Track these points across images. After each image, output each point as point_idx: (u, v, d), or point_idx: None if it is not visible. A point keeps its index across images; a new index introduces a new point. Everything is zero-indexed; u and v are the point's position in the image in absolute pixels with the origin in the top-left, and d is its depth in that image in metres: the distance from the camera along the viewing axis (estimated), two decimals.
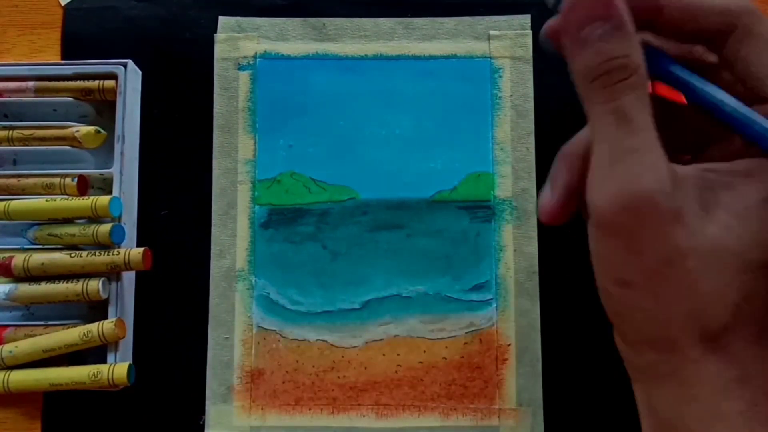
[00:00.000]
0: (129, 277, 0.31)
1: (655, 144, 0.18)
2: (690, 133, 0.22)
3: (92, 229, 0.29)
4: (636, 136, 0.18)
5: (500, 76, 0.33)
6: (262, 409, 0.31)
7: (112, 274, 0.30)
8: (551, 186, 0.24)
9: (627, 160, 0.18)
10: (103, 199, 0.29)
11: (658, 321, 0.19)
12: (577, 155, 0.23)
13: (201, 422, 0.31)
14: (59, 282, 0.29)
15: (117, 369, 0.28)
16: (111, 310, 0.29)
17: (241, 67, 0.33)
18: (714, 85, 0.19)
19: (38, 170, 0.31)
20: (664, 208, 0.18)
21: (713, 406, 0.19)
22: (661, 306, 0.19)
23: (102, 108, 0.32)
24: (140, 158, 0.32)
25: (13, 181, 0.30)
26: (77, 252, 0.29)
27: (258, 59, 0.33)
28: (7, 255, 0.29)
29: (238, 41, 0.33)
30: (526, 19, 0.33)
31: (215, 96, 0.33)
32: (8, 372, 0.28)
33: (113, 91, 0.31)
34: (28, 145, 0.31)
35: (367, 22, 0.33)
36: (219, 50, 0.33)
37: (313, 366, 0.31)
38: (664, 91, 0.22)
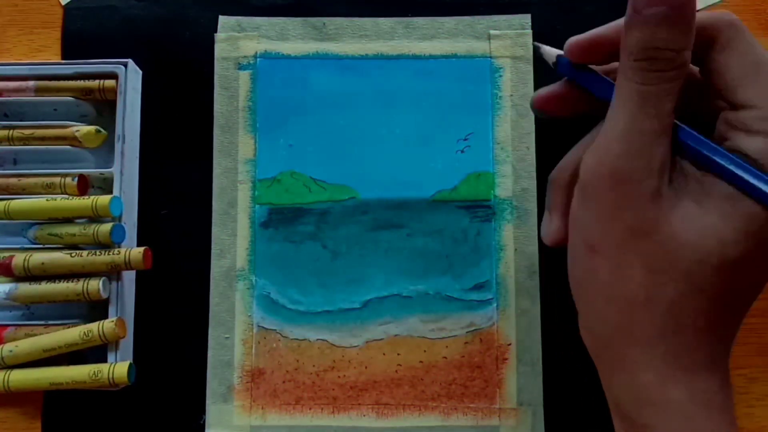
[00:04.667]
0: (129, 277, 0.31)
1: (663, 134, 0.19)
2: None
3: (93, 228, 0.29)
4: (650, 122, 0.19)
5: (500, 76, 0.33)
6: (262, 408, 0.31)
7: (113, 273, 0.30)
8: (550, 214, 0.26)
9: (633, 139, 0.19)
10: (104, 199, 0.29)
11: (615, 297, 0.20)
12: (567, 181, 0.25)
13: (201, 422, 0.31)
14: (59, 281, 0.29)
15: (117, 368, 0.28)
16: (111, 309, 0.29)
17: (241, 67, 0.33)
18: (722, 150, 0.20)
19: (38, 170, 0.31)
20: (644, 187, 0.19)
21: (661, 394, 0.19)
22: (620, 279, 0.20)
23: (102, 107, 0.32)
24: (140, 158, 0.32)
25: (14, 180, 0.30)
26: (77, 251, 0.29)
27: (258, 59, 0.33)
28: (7, 255, 0.29)
29: (238, 41, 0.33)
30: (526, 19, 0.33)
31: (215, 95, 0.33)
32: (8, 371, 0.28)
33: (113, 91, 0.31)
34: (28, 145, 0.31)
35: (367, 22, 0.33)
36: (219, 50, 0.33)
37: (314, 365, 0.31)
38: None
